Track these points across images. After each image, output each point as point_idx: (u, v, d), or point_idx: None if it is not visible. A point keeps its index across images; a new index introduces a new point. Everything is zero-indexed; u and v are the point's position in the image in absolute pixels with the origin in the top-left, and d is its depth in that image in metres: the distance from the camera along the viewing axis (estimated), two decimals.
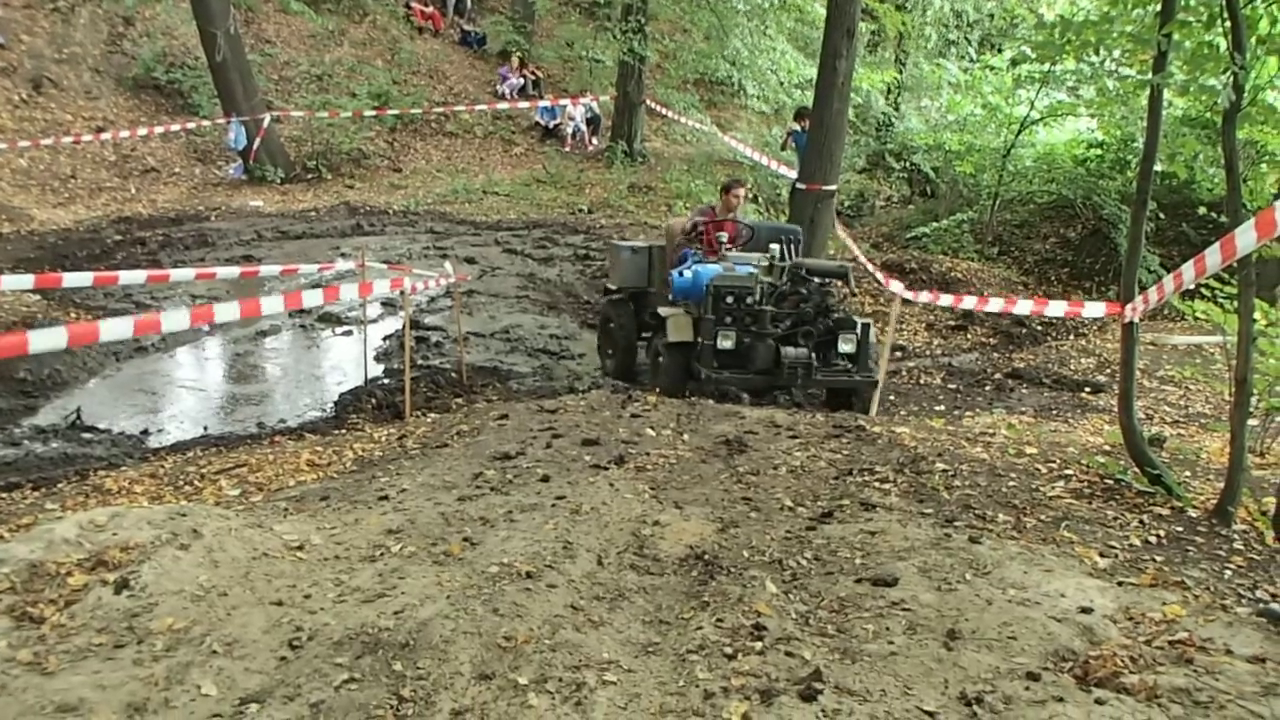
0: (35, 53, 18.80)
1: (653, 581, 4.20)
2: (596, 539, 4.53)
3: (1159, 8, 5.81)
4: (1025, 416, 8.89)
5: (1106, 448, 6.93)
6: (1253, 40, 5.59)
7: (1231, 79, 5.36)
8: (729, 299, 8.50)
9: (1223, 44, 5.47)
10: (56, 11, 19.50)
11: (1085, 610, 4.04)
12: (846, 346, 8.61)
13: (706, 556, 4.47)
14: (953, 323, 13.02)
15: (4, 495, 6.62)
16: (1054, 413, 9.31)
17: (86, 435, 8.11)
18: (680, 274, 9.07)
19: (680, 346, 8.57)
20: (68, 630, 3.53)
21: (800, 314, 8.67)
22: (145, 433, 8.29)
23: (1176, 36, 5.71)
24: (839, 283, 9.04)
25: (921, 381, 10.72)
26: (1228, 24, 5.37)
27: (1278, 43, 5.59)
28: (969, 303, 8.80)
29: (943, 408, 9.42)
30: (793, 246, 9.76)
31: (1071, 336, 12.84)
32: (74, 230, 14.63)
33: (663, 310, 8.90)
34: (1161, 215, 14.45)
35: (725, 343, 8.36)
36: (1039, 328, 13.08)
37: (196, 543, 4.10)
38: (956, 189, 17.57)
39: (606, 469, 5.63)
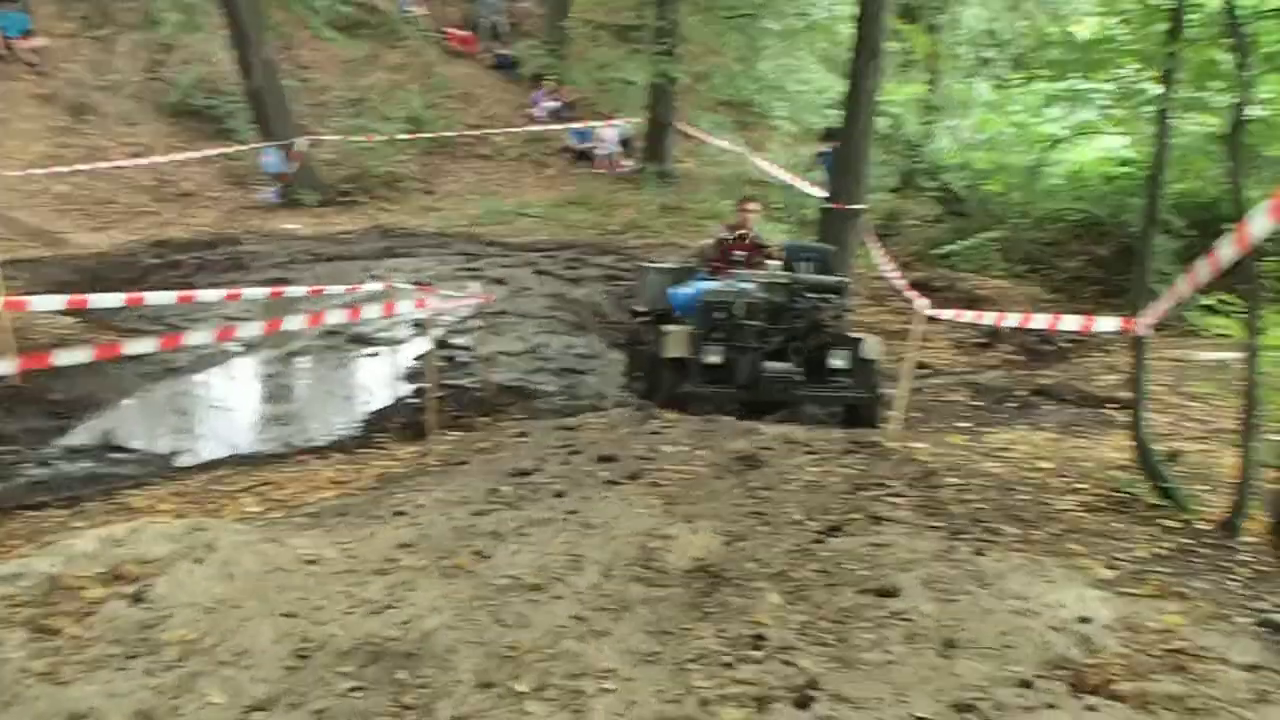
0: (76, 80, 19.18)
1: (657, 593, 4.29)
2: (604, 552, 4.62)
3: (1168, 26, 5.88)
4: (1049, 433, 8.87)
5: (1123, 463, 6.93)
6: (1258, 57, 5.64)
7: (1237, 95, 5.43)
8: (717, 313, 8.45)
9: (1228, 60, 5.53)
10: (97, 40, 19.89)
11: (1084, 620, 4.11)
12: (838, 362, 8.55)
13: (712, 569, 4.55)
14: (979, 340, 12.99)
15: (33, 514, 6.77)
16: (1077, 429, 9.27)
17: (115, 455, 8.24)
18: (681, 290, 9.15)
19: (676, 362, 8.50)
20: (82, 641, 3.66)
21: (792, 329, 8.61)
22: (174, 452, 8.42)
23: (1185, 54, 5.77)
24: (836, 297, 8.95)
25: (946, 398, 10.70)
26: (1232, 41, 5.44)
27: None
28: (989, 318, 8.82)
29: (966, 424, 9.41)
30: (819, 265, 9.81)
31: (1097, 353, 12.77)
32: (111, 254, 14.83)
33: (665, 326, 8.83)
34: (1190, 233, 14.35)
35: (712, 357, 8.33)
36: (1065, 345, 13.02)
37: (211, 556, 4.24)
38: (986, 207, 17.56)
39: (620, 484, 5.71)
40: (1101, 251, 15.69)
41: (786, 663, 3.68)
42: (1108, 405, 10.22)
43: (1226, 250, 5.01)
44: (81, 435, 8.68)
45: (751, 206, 9.99)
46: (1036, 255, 16.14)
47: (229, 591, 4.04)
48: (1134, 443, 6.26)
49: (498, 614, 3.89)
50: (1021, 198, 16.28)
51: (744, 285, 8.85)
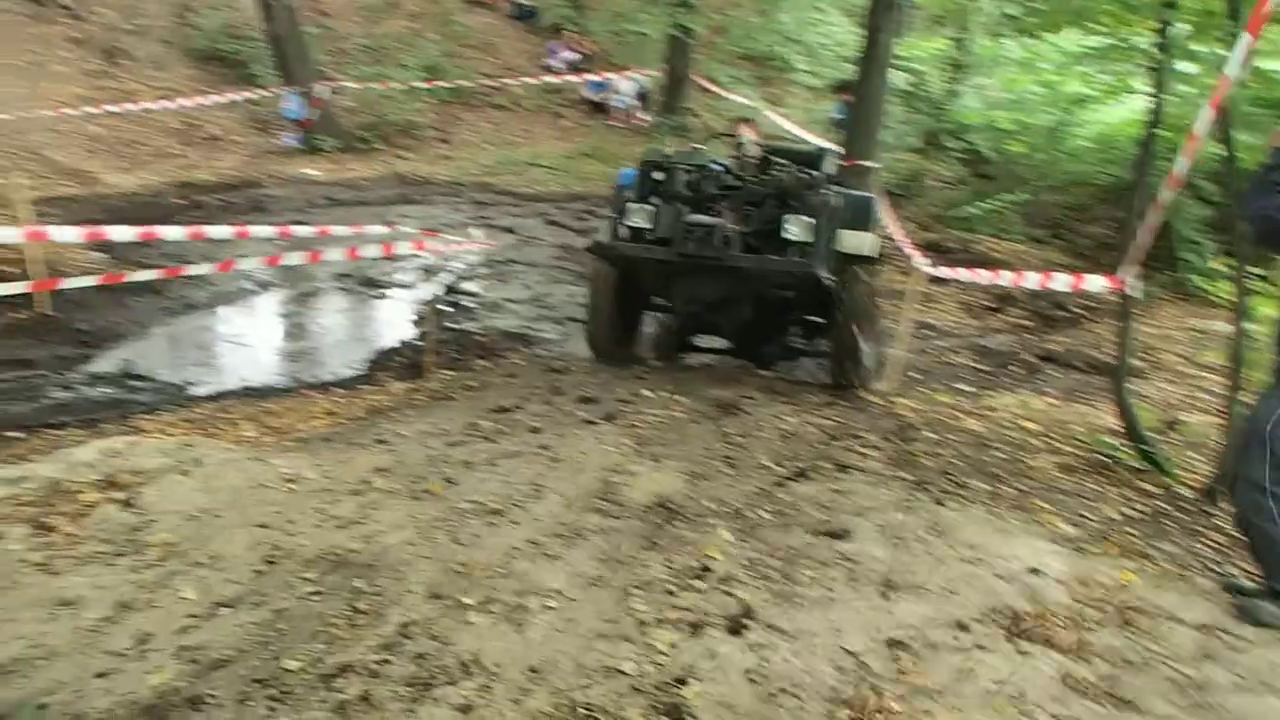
0: (109, 24, 19.43)
1: (613, 524, 4.44)
2: (568, 484, 4.79)
3: None
4: (1050, 398, 8.92)
5: (1115, 427, 7.00)
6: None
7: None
8: (655, 174, 7.16)
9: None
10: None
11: (1034, 572, 4.19)
12: (794, 231, 6.83)
13: (670, 504, 4.70)
14: (988, 303, 12.99)
15: (54, 433, 7.05)
16: (1082, 396, 9.31)
17: (134, 383, 8.54)
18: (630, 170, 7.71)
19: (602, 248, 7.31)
20: (76, 539, 3.92)
21: (746, 194, 7.14)
22: (188, 382, 8.69)
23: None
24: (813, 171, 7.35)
25: (949, 360, 10.75)
26: None
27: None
28: (984, 276, 8.87)
29: (965, 386, 9.47)
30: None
31: (1111, 320, 12.75)
32: (138, 194, 15.15)
33: None
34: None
35: (637, 218, 7.01)
36: (1079, 311, 13.01)
37: (198, 470, 4.49)
38: (1010, 169, 17.44)
39: (596, 424, 5.85)
40: (1123, 217, 15.56)
41: (727, 594, 3.82)
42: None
43: (1164, 193, 5.36)
44: (104, 363, 8.98)
45: (745, 129, 8.46)
46: (1060, 219, 16.05)
47: (211, 502, 4.28)
48: (1117, 404, 6.31)
49: (455, 534, 4.08)
50: (1045, 159, 16.13)
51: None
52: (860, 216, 7.33)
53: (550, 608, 3.62)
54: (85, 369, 8.78)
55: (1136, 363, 10.63)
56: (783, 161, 7.20)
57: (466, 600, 3.59)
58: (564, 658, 3.33)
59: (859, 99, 13.20)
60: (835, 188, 7.26)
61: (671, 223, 6.89)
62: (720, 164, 7.40)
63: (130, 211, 13.82)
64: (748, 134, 8.03)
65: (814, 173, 7.25)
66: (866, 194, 8.06)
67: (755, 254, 6.83)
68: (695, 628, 3.55)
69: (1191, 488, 5.69)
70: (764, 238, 6.90)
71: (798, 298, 7.17)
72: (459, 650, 3.28)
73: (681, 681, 3.24)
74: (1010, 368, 10.54)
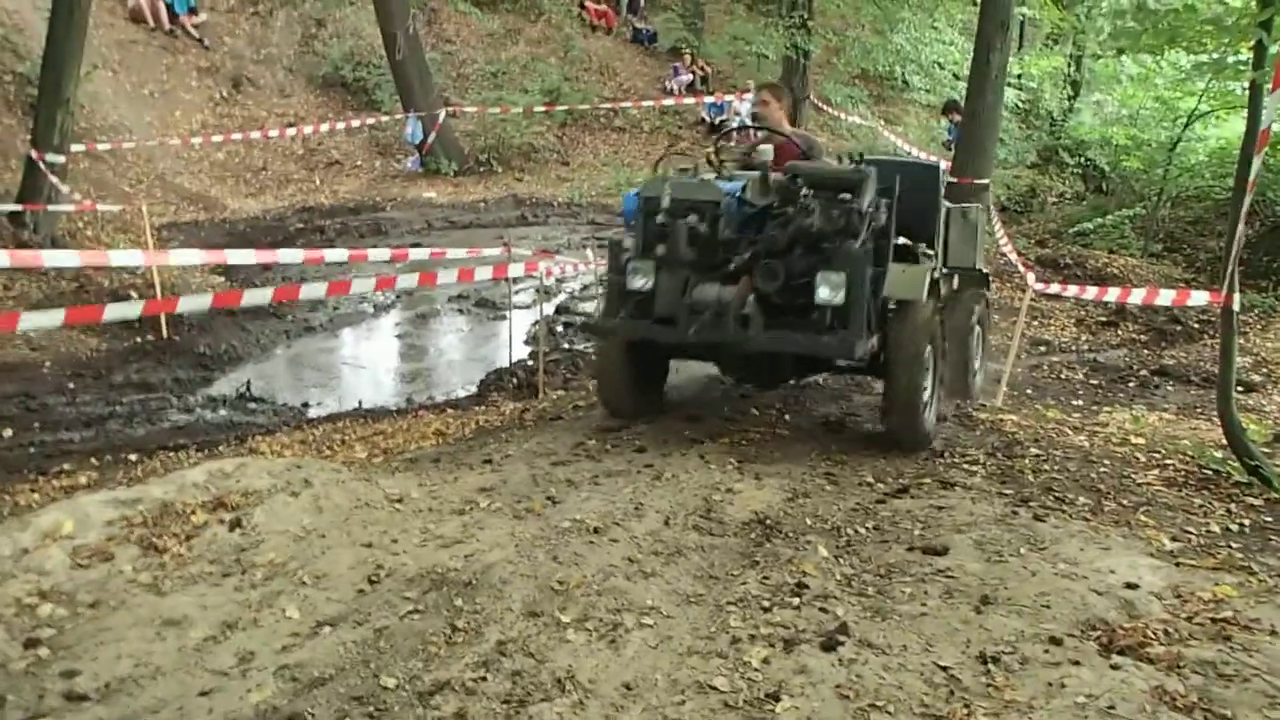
0: (236, 54, 20.30)
1: (711, 541, 4.52)
2: (669, 502, 4.88)
3: None
4: (1165, 413, 8.75)
5: (1225, 442, 6.83)
6: None
7: None
8: (655, 218, 5.87)
9: None
10: (256, 15, 20.98)
11: (1131, 586, 4.15)
12: (825, 292, 5.55)
13: (769, 521, 4.76)
14: (1103, 318, 12.78)
15: (172, 454, 7.38)
16: (1198, 411, 9.12)
17: (252, 405, 8.90)
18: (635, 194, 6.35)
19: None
20: (184, 560, 4.07)
21: (766, 242, 5.75)
22: (305, 404, 9.01)
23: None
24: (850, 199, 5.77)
25: (1062, 376, 10.60)
26: None
27: None
28: (1091, 292, 8.79)
29: (1080, 402, 9.34)
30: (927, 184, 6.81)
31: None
32: (261, 218, 15.80)
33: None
34: None
35: (638, 280, 5.87)
36: (1195, 325, 12.72)
37: (306, 491, 4.64)
38: (1127, 185, 17.17)
39: (701, 443, 5.93)
40: (1248, 232, 15.18)
41: (822, 610, 3.87)
42: (1235, 388, 9.97)
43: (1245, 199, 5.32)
44: (223, 386, 9.37)
45: (764, 95, 7.31)
46: (1179, 234, 15.76)
47: (318, 523, 4.43)
48: (1221, 417, 6.20)
49: (555, 552, 4.19)
50: (1161, 175, 15.85)
51: (726, 184, 6.12)
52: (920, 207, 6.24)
53: (646, 624, 3.70)
54: (205, 392, 9.17)
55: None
56: (810, 192, 5.83)
57: (563, 618, 3.69)
58: (658, 674, 3.40)
59: (969, 117, 13.13)
60: (884, 201, 5.95)
61: (674, 299, 5.77)
62: (734, 192, 6.01)
63: (252, 235, 14.46)
64: (773, 110, 6.94)
65: (851, 201, 5.78)
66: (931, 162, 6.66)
67: (781, 319, 5.72)
68: (789, 644, 3.60)
69: None
70: (793, 293, 5.70)
71: None
72: (554, 667, 3.38)
73: (773, 698, 3.29)
74: (1124, 383, 10.36)
